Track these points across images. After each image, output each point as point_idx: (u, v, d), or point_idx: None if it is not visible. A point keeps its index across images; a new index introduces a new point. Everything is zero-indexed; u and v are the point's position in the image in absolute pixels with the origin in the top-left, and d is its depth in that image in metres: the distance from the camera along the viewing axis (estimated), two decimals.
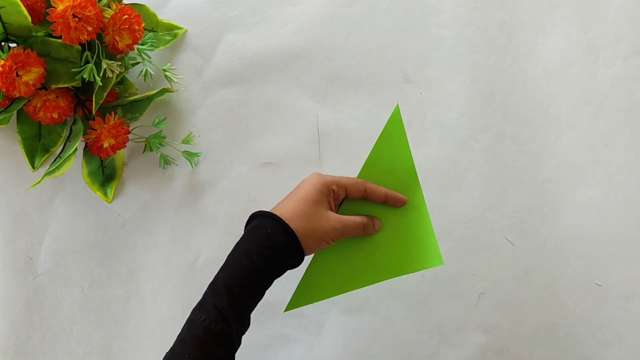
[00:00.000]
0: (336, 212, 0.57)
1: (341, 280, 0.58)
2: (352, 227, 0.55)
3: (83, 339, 0.66)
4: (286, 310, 0.57)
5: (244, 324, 0.50)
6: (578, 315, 0.67)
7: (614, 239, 0.68)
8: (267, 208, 0.55)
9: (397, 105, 0.58)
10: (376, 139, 0.59)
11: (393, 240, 0.58)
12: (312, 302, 0.58)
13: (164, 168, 0.69)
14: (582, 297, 0.68)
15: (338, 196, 0.56)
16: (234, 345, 0.49)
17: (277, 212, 0.53)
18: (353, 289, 0.58)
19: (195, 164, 0.69)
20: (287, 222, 0.52)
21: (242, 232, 0.67)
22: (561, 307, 0.67)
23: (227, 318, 0.47)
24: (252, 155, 0.69)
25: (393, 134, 0.59)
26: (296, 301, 0.57)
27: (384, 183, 0.59)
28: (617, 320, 0.67)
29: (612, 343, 0.67)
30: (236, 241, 0.69)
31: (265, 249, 0.51)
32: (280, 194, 0.68)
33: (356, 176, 0.59)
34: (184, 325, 0.49)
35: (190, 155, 0.68)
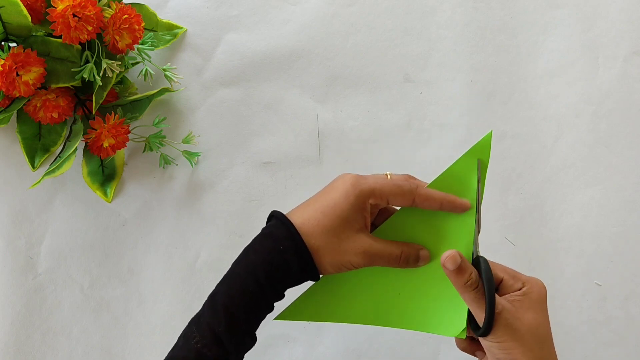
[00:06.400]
0: (371, 223, 0.48)
1: (349, 310, 0.50)
2: (385, 258, 0.47)
3: (83, 339, 0.66)
4: (276, 318, 0.50)
5: (246, 343, 0.46)
6: (578, 315, 0.67)
7: (614, 239, 0.68)
8: (266, 208, 0.54)
9: (491, 132, 0.48)
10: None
11: (426, 287, 0.49)
12: (308, 320, 0.50)
13: (164, 168, 0.69)
14: (582, 297, 0.68)
15: (377, 207, 0.48)
16: None
17: (298, 221, 0.46)
18: (359, 323, 0.50)
19: (195, 164, 0.69)
20: (305, 237, 0.45)
21: (242, 232, 0.68)
22: (561, 307, 0.67)
23: (223, 343, 0.44)
24: (252, 155, 0.69)
25: (471, 162, 0.49)
26: (291, 313, 0.50)
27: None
28: (617, 320, 0.67)
29: (612, 343, 0.67)
30: (236, 241, 0.69)
31: (274, 269, 0.45)
32: (280, 194, 0.69)
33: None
34: (180, 338, 0.46)
35: (190, 155, 0.68)
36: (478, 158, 0.48)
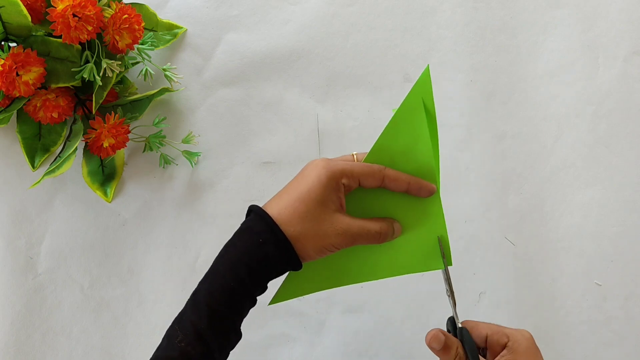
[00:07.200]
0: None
1: (335, 274, 0.51)
2: (364, 236, 0.47)
3: (83, 339, 0.66)
4: (271, 303, 0.50)
5: (230, 340, 0.46)
6: (578, 315, 0.67)
7: (614, 239, 0.68)
8: None
9: (428, 67, 0.48)
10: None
11: (402, 236, 0.51)
12: (302, 295, 0.51)
13: (164, 167, 0.69)
14: (582, 297, 0.68)
15: (349, 189, 0.47)
16: None
17: (274, 212, 0.45)
18: (347, 284, 0.51)
19: (195, 164, 0.69)
20: (283, 227, 0.45)
21: None
22: (561, 307, 0.67)
23: (206, 340, 0.43)
24: (252, 155, 0.69)
25: (417, 104, 0.48)
26: (283, 294, 0.50)
27: (398, 165, 0.49)
28: (617, 320, 0.67)
29: (612, 343, 0.67)
30: None
31: (255, 262, 0.45)
32: None
33: (366, 156, 0.50)
34: (164, 338, 0.46)
35: (190, 155, 0.68)
36: (421, 97, 0.48)
